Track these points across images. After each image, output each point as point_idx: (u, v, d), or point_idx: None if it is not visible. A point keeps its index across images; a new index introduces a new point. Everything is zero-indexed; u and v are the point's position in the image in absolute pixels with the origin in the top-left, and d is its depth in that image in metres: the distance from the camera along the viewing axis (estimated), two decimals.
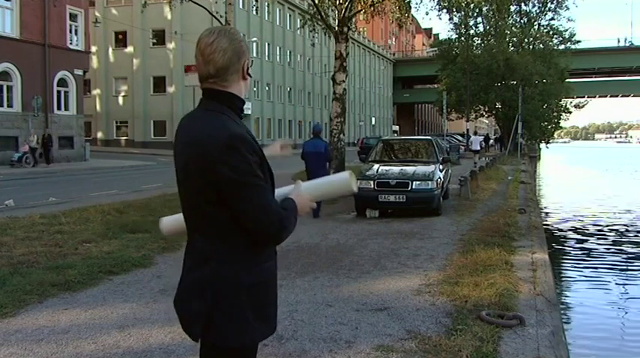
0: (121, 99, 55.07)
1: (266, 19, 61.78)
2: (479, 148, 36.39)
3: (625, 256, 14.31)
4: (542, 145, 68.94)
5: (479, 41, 53.80)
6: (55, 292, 6.33)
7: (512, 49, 52.06)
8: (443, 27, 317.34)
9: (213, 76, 2.27)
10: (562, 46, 55.00)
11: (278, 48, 64.57)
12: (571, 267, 13.23)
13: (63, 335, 5.06)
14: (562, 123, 64.87)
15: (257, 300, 2.28)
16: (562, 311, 7.96)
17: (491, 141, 62.89)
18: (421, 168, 13.34)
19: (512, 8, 50.73)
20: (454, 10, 39.63)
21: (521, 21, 55.08)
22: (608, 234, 17.51)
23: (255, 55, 57.33)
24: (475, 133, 47.23)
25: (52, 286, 6.47)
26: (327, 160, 13.23)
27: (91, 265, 7.39)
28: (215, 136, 2.17)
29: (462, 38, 51.44)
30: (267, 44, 61.27)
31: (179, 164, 2.36)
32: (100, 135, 55.33)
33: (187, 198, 2.37)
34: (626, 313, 9.88)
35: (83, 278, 6.82)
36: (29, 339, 4.95)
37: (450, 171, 16.00)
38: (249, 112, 52.44)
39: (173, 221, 2.72)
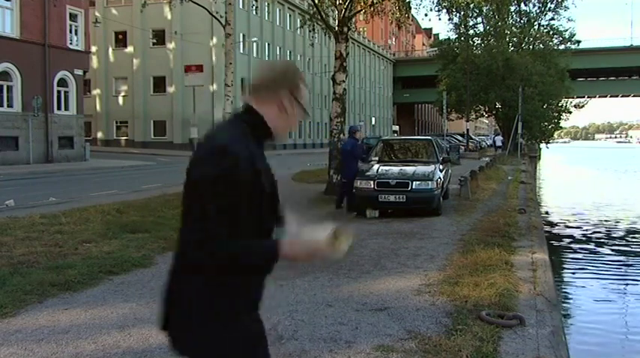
0: (121, 99, 55.07)
1: (266, 19, 61.77)
2: (500, 145, 50.42)
3: (625, 256, 14.31)
4: (543, 145, 68.91)
5: (479, 41, 53.77)
6: (55, 292, 6.33)
7: (512, 49, 52.04)
8: (443, 27, 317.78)
9: (252, 86, 2.23)
10: (562, 46, 54.97)
11: (278, 48, 64.57)
12: (571, 266, 13.23)
13: (63, 335, 5.06)
14: (562, 123, 64.88)
15: None
16: (562, 311, 7.96)
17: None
18: (421, 168, 13.34)
19: (512, 8, 50.74)
20: (454, 10, 39.76)
21: (521, 21, 55.06)
22: (608, 233, 17.52)
23: (255, 55, 57.35)
24: (496, 133, 59.37)
25: (52, 286, 6.47)
26: (356, 158, 13.88)
27: (91, 265, 7.39)
28: (210, 140, 2.13)
29: (462, 38, 51.41)
30: (267, 44, 61.26)
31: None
32: (100, 135, 55.32)
33: None
34: (627, 313, 9.89)
35: (83, 278, 6.82)
36: (29, 339, 4.95)
37: (450, 171, 16.00)
38: None
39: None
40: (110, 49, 55.00)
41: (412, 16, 32.36)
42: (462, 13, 45.68)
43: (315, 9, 19.09)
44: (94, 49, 46.87)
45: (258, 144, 2.21)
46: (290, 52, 67.33)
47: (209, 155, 2.08)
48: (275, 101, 2.21)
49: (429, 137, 17.55)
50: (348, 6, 17.47)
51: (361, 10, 18.99)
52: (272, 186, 2.23)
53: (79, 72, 35.64)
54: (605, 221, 20.18)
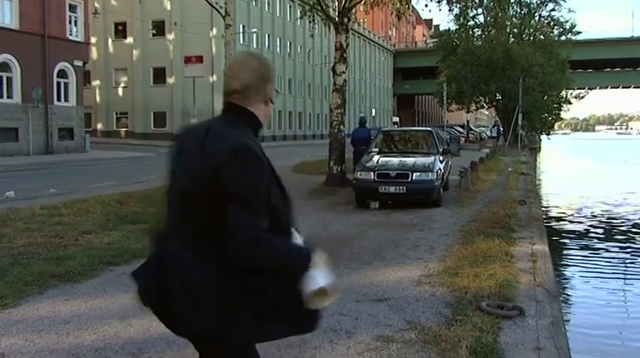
0: (120, 91, 54.98)
1: (266, 10, 61.62)
2: (495, 135, 52.75)
3: (625, 247, 14.33)
4: (543, 137, 68.89)
5: (479, 32, 53.63)
6: (55, 283, 6.34)
7: (512, 40, 51.90)
8: (443, 18, 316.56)
9: (237, 91, 2.38)
10: (563, 37, 54.82)
11: (278, 39, 64.42)
12: (571, 257, 13.25)
13: (63, 326, 5.07)
14: (562, 115, 64.83)
15: None
16: (562, 302, 7.98)
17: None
18: (421, 160, 13.33)
19: None
20: (454, 0, 39.68)
21: (522, 12, 54.92)
22: (607, 225, 17.54)
23: (255, 46, 57.21)
24: (495, 125, 62.41)
25: (53, 277, 6.48)
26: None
27: (91, 256, 7.40)
28: (224, 145, 2.23)
29: (462, 29, 51.28)
30: (267, 35, 61.13)
31: (181, 166, 2.39)
32: (100, 126, 55.27)
33: (178, 198, 2.40)
34: (626, 304, 9.91)
35: (83, 269, 6.82)
36: (30, 330, 4.97)
37: (450, 162, 16.00)
38: None
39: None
40: (110, 40, 54.86)
41: (412, 7, 32.27)
42: (462, 3, 45.60)
43: (315, 0, 19.04)
44: (93, 40, 46.73)
45: (255, 137, 2.40)
46: (290, 43, 67.17)
47: (234, 159, 2.20)
48: (263, 97, 2.44)
49: (429, 128, 17.53)
50: None
51: (361, 0, 18.91)
52: (274, 172, 2.39)
53: (79, 63, 35.55)
54: (605, 212, 20.19)
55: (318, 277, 2.33)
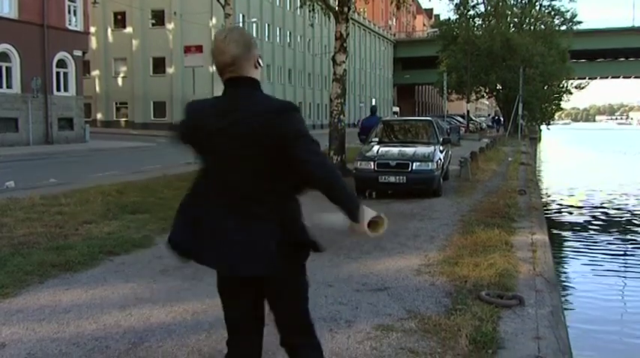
0: (120, 81, 54.87)
1: None
2: (491, 124, 56.14)
3: (625, 237, 14.34)
4: (543, 127, 68.84)
5: (479, 22, 53.49)
6: (55, 272, 6.35)
7: (513, 29, 51.76)
8: (444, 7, 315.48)
9: (230, 64, 2.65)
10: (563, 27, 54.67)
11: (278, 29, 64.21)
12: (571, 247, 13.26)
13: (64, 315, 5.08)
14: (562, 105, 64.77)
15: None
16: (561, 292, 7.99)
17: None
18: (421, 149, 13.32)
19: None
20: None
21: (522, 1, 54.72)
22: (607, 215, 17.55)
23: (255, 35, 57.03)
24: (494, 116, 66.12)
25: (53, 266, 6.48)
26: None
27: (91, 246, 7.40)
28: (270, 106, 2.63)
29: (463, 19, 51.14)
30: (267, 25, 60.92)
31: (229, 141, 2.62)
32: (99, 116, 55.19)
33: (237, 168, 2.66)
34: (626, 292, 9.93)
35: (84, 259, 6.83)
36: (31, 319, 4.98)
37: (450, 152, 15.99)
38: None
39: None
40: (109, 30, 54.69)
41: None
42: None
43: None
44: (92, 29, 46.60)
45: None
46: (290, 33, 66.99)
47: (288, 113, 2.62)
48: (252, 62, 2.71)
49: (430, 118, 17.51)
50: None
51: None
52: None
53: (78, 53, 35.46)
54: (605, 202, 20.20)
55: (369, 209, 2.65)
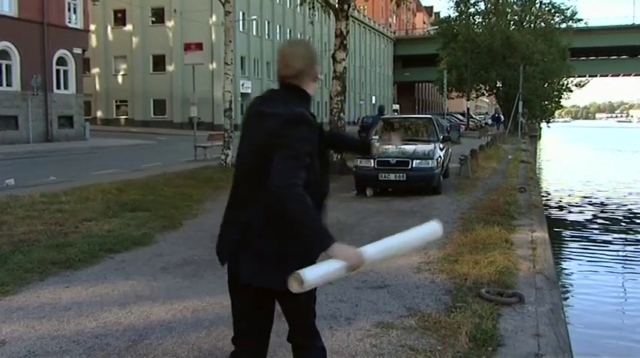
0: (120, 78, 54.80)
1: None
2: (490, 122, 57.17)
3: (625, 235, 14.35)
4: (543, 124, 68.76)
5: (480, 19, 53.42)
6: (56, 270, 6.35)
7: (512, 27, 51.70)
8: (444, 5, 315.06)
9: (291, 77, 2.80)
10: (563, 25, 54.59)
11: (278, 26, 64.12)
12: (571, 245, 13.28)
13: (64, 313, 5.09)
14: (563, 103, 64.69)
15: None
16: (561, 289, 7.99)
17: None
18: (421, 147, 13.31)
19: None
20: None
21: None
22: (607, 213, 17.55)
23: (254, 33, 57.03)
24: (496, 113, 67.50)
25: (53, 264, 6.49)
26: None
27: (91, 243, 7.40)
28: (283, 113, 2.65)
29: (463, 16, 51.08)
30: (266, 22, 60.82)
31: (255, 129, 2.77)
32: (99, 114, 55.13)
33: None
34: (625, 290, 9.94)
35: (84, 257, 6.84)
36: (31, 316, 4.98)
37: (450, 149, 15.98)
38: (250, 91, 52.12)
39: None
40: (109, 28, 54.61)
41: None
42: None
43: None
44: (92, 27, 46.52)
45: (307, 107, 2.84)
46: (290, 31, 66.89)
47: (290, 123, 2.62)
48: (313, 77, 2.86)
49: (430, 116, 17.49)
50: None
51: None
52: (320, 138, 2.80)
53: (78, 50, 35.41)
54: (605, 200, 20.20)
55: (316, 269, 2.51)
